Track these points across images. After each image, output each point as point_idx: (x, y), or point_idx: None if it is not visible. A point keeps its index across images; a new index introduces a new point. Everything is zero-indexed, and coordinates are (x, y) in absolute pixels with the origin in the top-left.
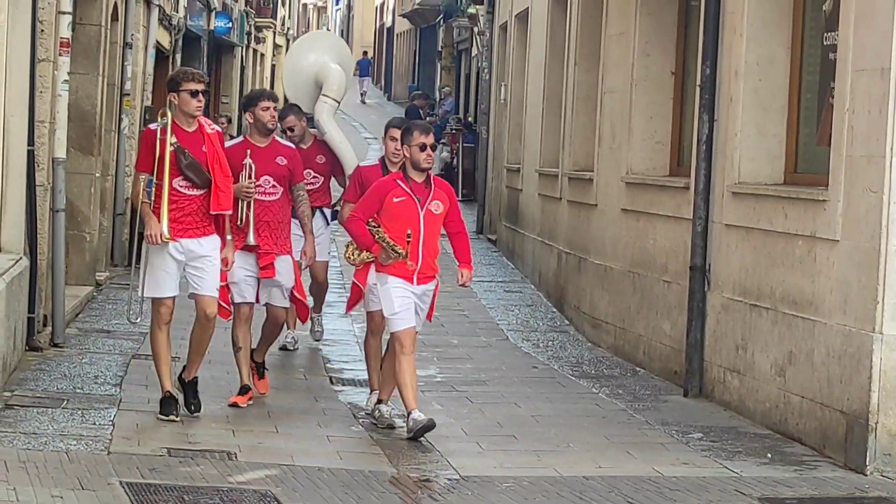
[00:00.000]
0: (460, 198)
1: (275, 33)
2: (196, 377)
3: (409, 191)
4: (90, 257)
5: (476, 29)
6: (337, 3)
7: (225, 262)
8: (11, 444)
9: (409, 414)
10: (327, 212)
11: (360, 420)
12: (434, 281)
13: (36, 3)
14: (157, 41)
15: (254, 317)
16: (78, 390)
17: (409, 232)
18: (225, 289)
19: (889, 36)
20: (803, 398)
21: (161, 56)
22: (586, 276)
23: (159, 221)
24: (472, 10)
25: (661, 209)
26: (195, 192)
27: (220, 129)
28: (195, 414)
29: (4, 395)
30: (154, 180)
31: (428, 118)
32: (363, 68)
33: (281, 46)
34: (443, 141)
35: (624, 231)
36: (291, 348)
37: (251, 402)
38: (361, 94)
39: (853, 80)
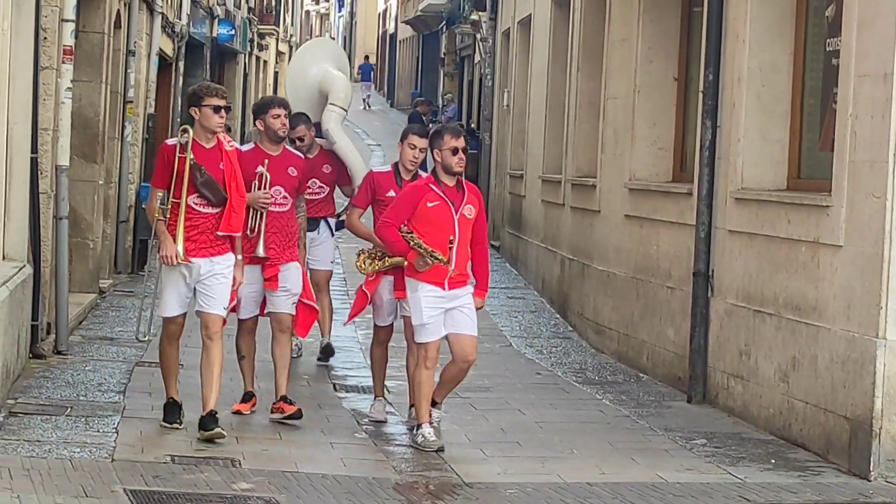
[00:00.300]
0: None
1: (278, 40)
2: (213, 411)
3: (442, 195)
4: (93, 265)
5: (479, 35)
6: (339, 10)
7: (234, 281)
8: (15, 452)
9: (419, 426)
10: (332, 221)
11: (364, 427)
12: (467, 286)
13: (39, 11)
14: (160, 48)
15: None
16: (81, 398)
17: (452, 238)
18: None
19: (891, 41)
20: (807, 404)
21: (164, 63)
22: (590, 282)
23: (174, 241)
24: (474, 16)
25: (665, 215)
26: (210, 210)
27: (238, 147)
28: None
29: (8, 402)
30: (171, 198)
31: (431, 125)
32: (365, 73)
33: (284, 53)
34: None
35: (627, 237)
36: (295, 356)
37: (254, 410)
38: (364, 100)
39: (856, 86)
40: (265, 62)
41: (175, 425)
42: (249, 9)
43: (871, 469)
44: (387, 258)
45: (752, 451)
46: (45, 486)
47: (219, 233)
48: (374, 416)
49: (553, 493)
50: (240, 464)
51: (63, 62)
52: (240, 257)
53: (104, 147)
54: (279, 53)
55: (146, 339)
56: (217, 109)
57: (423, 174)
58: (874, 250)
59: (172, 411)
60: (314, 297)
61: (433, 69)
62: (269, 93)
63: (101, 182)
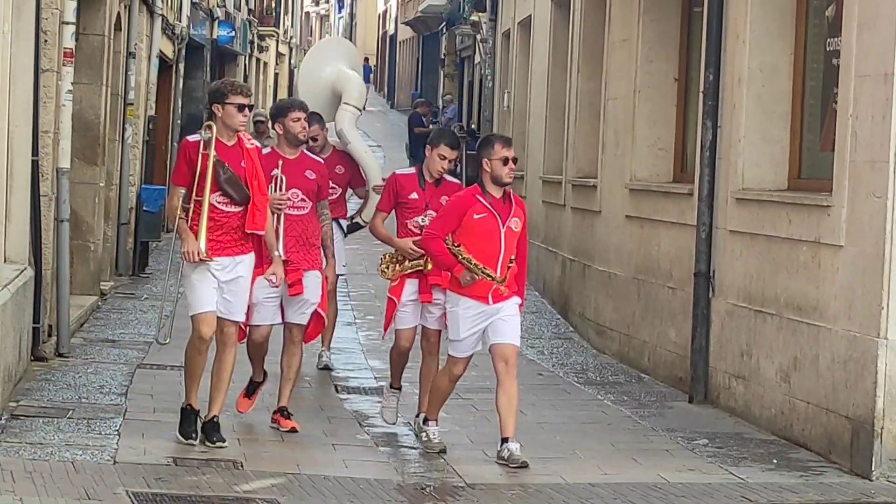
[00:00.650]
0: None
1: (278, 42)
2: (216, 417)
3: (489, 206)
4: (94, 267)
5: (479, 36)
6: (339, 12)
7: (273, 278)
8: (17, 455)
9: (426, 422)
10: (343, 223)
11: (366, 428)
12: (513, 298)
13: (39, 14)
14: (161, 51)
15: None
16: (83, 400)
17: (512, 258)
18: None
19: (892, 41)
20: (808, 404)
21: (164, 65)
22: (591, 283)
23: (196, 238)
24: (474, 17)
25: (665, 216)
26: (233, 208)
27: (259, 145)
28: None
29: (10, 405)
30: (195, 195)
31: (431, 126)
32: (364, 74)
33: (284, 55)
34: None
35: (628, 238)
36: (321, 367)
37: (254, 408)
38: None
39: (856, 86)
40: (265, 64)
41: (191, 441)
42: (249, 10)
43: (873, 469)
44: (408, 261)
45: (753, 452)
46: (48, 488)
47: (247, 230)
48: (387, 406)
49: (555, 493)
50: (242, 466)
51: (63, 65)
52: (277, 253)
53: (105, 149)
54: (279, 55)
55: (167, 341)
56: (241, 108)
57: (448, 178)
58: (875, 250)
59: (189, 421)
60: (327, 306)
61: (433, 70)
62: (270, 94)
63: (101, 184)
